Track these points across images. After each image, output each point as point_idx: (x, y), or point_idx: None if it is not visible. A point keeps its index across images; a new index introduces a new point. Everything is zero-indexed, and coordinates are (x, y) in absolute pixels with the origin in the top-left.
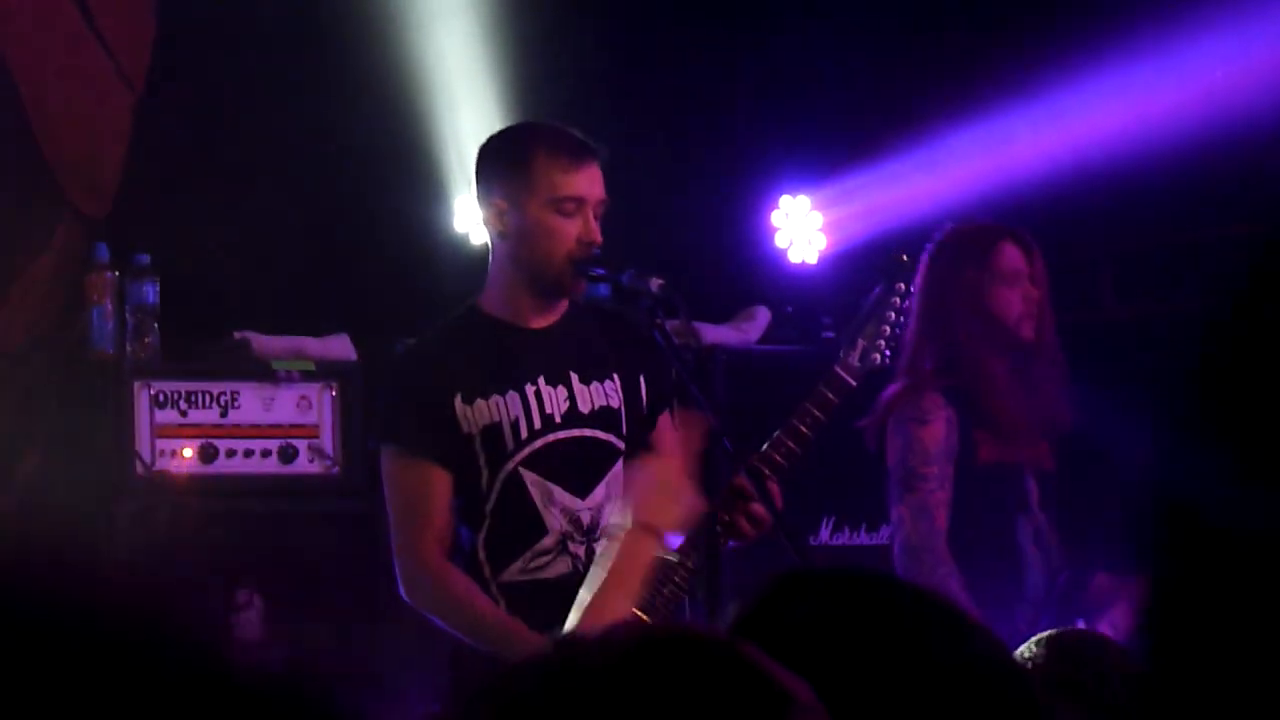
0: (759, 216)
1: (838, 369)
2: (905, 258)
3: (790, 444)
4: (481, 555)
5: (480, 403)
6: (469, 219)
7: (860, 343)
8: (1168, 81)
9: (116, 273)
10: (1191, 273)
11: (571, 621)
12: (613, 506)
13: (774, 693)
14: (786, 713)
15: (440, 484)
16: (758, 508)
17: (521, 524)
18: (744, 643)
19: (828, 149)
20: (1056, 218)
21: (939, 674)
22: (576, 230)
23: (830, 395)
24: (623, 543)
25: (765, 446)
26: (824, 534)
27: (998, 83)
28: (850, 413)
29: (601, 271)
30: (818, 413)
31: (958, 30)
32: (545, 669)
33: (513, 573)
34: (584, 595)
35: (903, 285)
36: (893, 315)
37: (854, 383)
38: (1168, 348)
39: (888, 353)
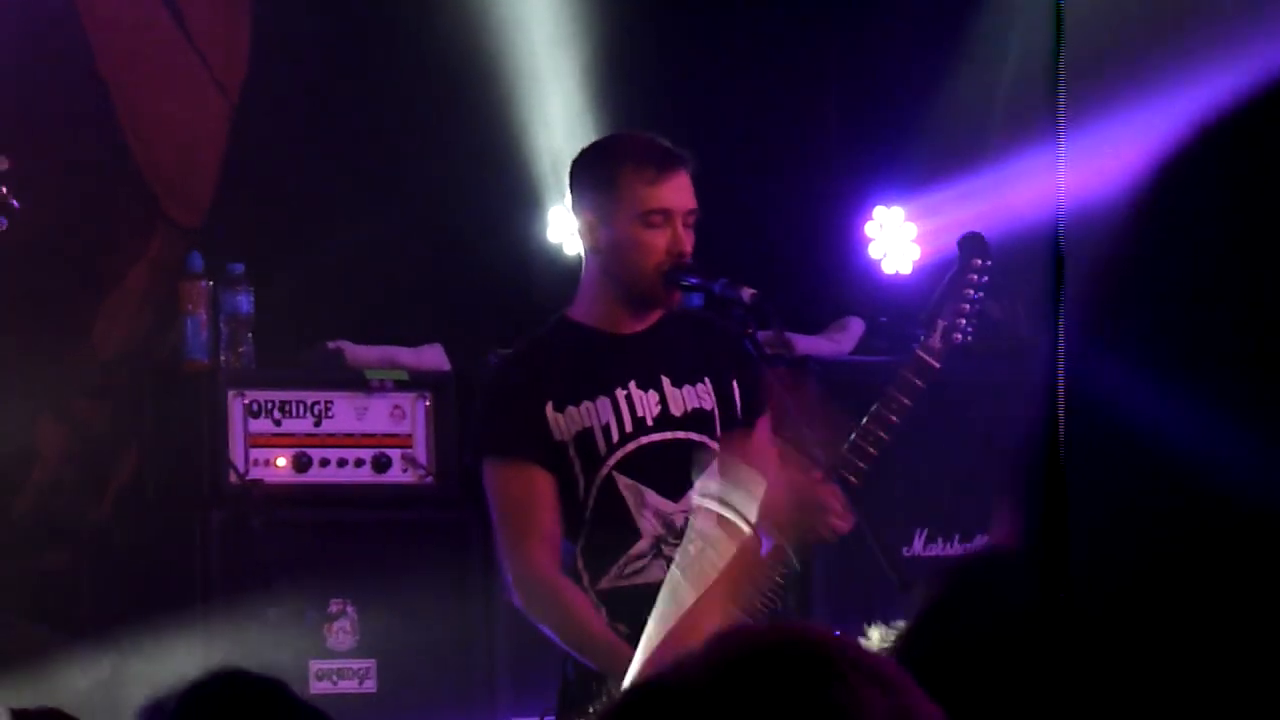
0: (853, 227)
1: (919, 352)
2: (981, 234)
3: (880, 433)
4: (580, 563)
5: (571, 409)
6: (562, 229)
7: (940, 323)
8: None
9: (211, 282)
10: None
11: (666, 615)
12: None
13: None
14: None
15: (545, 486)
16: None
17: (615, 529)
18: (838, 654)
19: (923, 159)
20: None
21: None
22: (665, 242)
23: (915, 380)
24: (737, 546)
25: (854, 437)
26: (917, 545)
27: (1091, 92)
28: (938, 422)
29: (694, 281)
30: (904, 399)
31: None
32: (657, 691)
33: (610, 579)
34: (680, 592)
35: (979, 261)
36: (971, 292)
37: (937, 365)
38: None
39: (969, 329)
